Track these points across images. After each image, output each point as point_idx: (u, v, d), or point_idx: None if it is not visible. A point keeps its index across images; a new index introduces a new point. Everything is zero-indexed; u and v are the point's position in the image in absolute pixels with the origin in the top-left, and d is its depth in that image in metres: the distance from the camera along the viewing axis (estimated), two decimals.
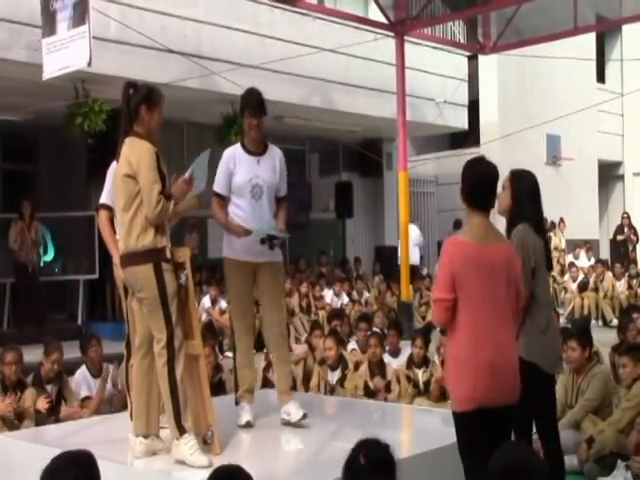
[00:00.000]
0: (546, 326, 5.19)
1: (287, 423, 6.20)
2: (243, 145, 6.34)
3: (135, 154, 5.30)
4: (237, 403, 6.42)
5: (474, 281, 4.52)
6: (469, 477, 4.61)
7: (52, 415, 8.08)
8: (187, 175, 5.48)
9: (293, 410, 6.22)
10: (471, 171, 4.75)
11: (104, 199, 6.26)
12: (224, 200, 6.28)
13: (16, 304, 14.01)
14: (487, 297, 4.53)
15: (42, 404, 7.99)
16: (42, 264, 14.25)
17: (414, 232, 18.07)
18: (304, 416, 6.18)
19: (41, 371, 8.39)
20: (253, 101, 6.30)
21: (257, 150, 6.32)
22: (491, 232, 4.67)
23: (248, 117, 6.26)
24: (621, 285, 17.25)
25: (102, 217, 6.28)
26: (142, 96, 5.45)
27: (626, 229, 20.99)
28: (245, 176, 6.19)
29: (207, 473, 5.04)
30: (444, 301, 4.55)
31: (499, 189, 5.15)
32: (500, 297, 4.55)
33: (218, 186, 6.22)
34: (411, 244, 17.09)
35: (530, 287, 5.04)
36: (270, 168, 6.31)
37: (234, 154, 6.27)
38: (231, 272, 6.32)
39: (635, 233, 20.85)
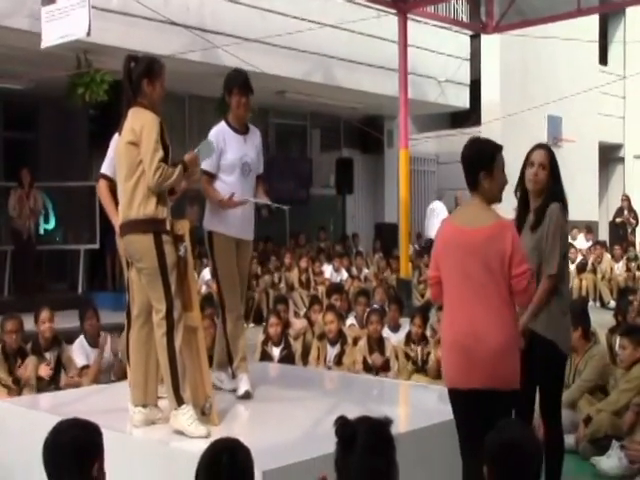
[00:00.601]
0: (568, 308, 5.23)
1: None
2: (229, 124, 6.34)
3: (139, 122, 5.26)
4: (234, 376, 6.44)
5: (450, 262, 4.54)
6: (461, 451, 4.65)
7: (52, 383, 8.11)
8: (196, 150, 5.50)
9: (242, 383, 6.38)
10: (465, 153, 4.63)
11: (104, 169, 6.28)
12: (213, 178, 6.28)
13: (16, 271, 14.03)
14: (463, 278, 4.48)
15: (45, 371, 8.05)
16: (42, 232, 14.26)
17: (440, 207, 18.11)
18: (246, 393, 6.32)
19: (39, 339, 8.43)
20: (241, 79, 6.33)
21: (242, 129, 6.38)
22: (482, 215, 4.54)
23: (237, 95, 6.27)
24: (619, 267, 17.29)
25: (101, 186, 6.29)
26: (143, 69, 5.39)
27: (625, 212, 20.98)
28: (236, 154, 6.24)
29: (205, 443, 5.04)
30: (430, 278, 4.75)
31: (535, 167, 5.13)
32: (477, 279, 4.43)
33: (208, 165, 6.15)
34: (436, 220, 17.18)
35: (562, 269, 5.05)
36: (254, 147, 6.40)
37: (223, 133, 6.27)
38: (222, 247, 6.30)
39: (635, 216, 20.83)
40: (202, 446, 5.02)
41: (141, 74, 5.37)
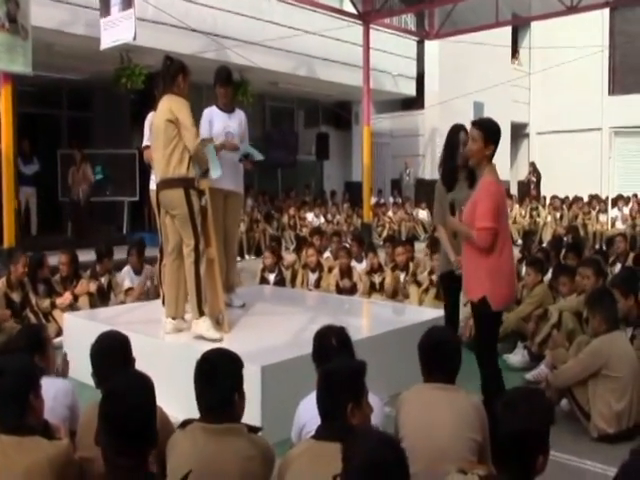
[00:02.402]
0: None
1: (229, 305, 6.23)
2: (217, 106, 6.31)
3: (176, 105, 5.27)
4: (232, 291, 6.55)
5: (503, 213, 4.34)
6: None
7: (103, 301, 8.04)
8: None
9: (235, 298, 6.54)
10: (499, 133, 4.65)
11: (146, 142, 6.19)
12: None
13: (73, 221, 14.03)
14: (507, 225, 4.50)
15: (92, 287, 7.96)
16: (96, 186, 14.11)
17: None
18: (243, 305, 6.49)
19: (96, 268, 8.36)
20: (223, 76, 6.30)
21: (227, 109, 6.32)
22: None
23: (221, 88, 6.28)
24: (524, 215, 17.38)
25: (147, 153, 6.18)
26: (179, 67, 5.43)
27: (530, 173, 21.14)
28: (220, 126, 6.19)
29: (219, 345, 5.02)
30: (494, 229, 4.20)
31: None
32: (507, 224, 4.53)
33: (203, 134, 6.07)
34: None
35: None
36: (237, 122, 6.31)
37: (211, 112, 6.26)
38: (213, 198, 5.90)
39: (537, 176, 20.96)
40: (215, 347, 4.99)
41: (178, 70, 5.40)
